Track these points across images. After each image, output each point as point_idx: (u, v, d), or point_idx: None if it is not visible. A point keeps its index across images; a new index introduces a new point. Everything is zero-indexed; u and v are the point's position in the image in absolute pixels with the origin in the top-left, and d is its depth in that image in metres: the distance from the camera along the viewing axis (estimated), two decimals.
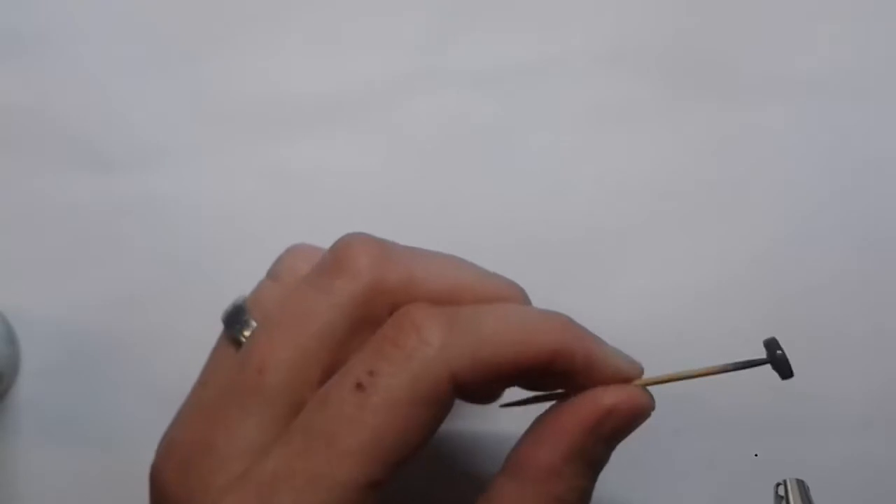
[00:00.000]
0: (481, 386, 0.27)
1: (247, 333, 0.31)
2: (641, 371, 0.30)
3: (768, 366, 0.30)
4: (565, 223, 0.46)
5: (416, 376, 0.26)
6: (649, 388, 0.29)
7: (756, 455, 0.42)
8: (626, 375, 0.28)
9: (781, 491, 0.25)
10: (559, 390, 0.30)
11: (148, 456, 0.30)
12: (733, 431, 0.43)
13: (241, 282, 0.45)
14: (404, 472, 0.27)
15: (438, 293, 0.29)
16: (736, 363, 0.27)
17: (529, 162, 0.46)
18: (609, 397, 0.27)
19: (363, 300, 0.29)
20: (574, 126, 0.47)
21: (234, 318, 0.32)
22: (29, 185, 0.47)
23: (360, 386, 0.25)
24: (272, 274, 0.34)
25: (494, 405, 0.35)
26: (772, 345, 0.26)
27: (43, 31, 0.49)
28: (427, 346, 0.26)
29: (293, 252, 0.35)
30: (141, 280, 0.46)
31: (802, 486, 0.24)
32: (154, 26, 0.49)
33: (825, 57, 0.47)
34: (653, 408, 0.29)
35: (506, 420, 0.33)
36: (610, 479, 0.32)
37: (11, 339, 0.44)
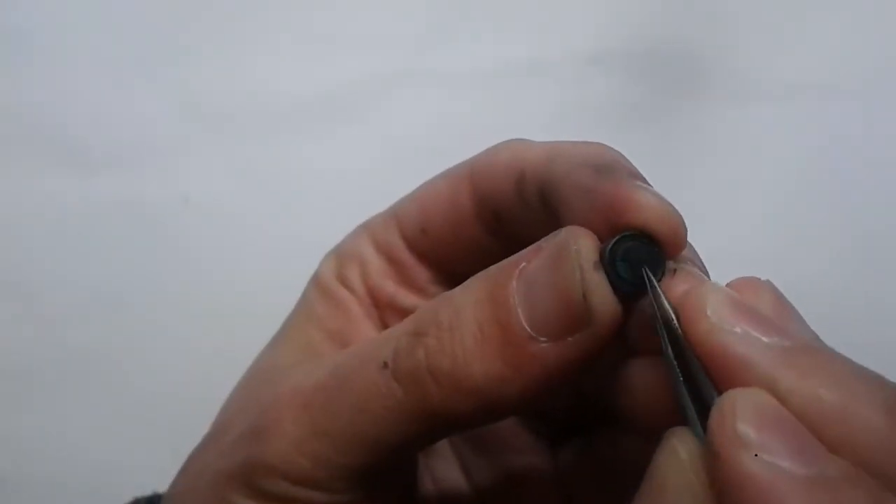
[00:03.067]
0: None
1: None
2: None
3: None
4: None
5: None
6: None
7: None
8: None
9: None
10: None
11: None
12: None
13: (227, 280, 0.45)
14: None
15: None
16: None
17: None
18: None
19: None
20: (561, 126, 0.47)
21: None
22: (12, 185, 0.47)
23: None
24: None
25: None
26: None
27: (27, 32, 0.49)
28: None
29: None
30: (124, 280, 0.46)
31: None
32: (140, 26, 0.49)
33: (811, 58, 0.47)
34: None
35: None
36: None
37: None
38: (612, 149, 0.27)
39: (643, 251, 0.23)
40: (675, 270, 0.23)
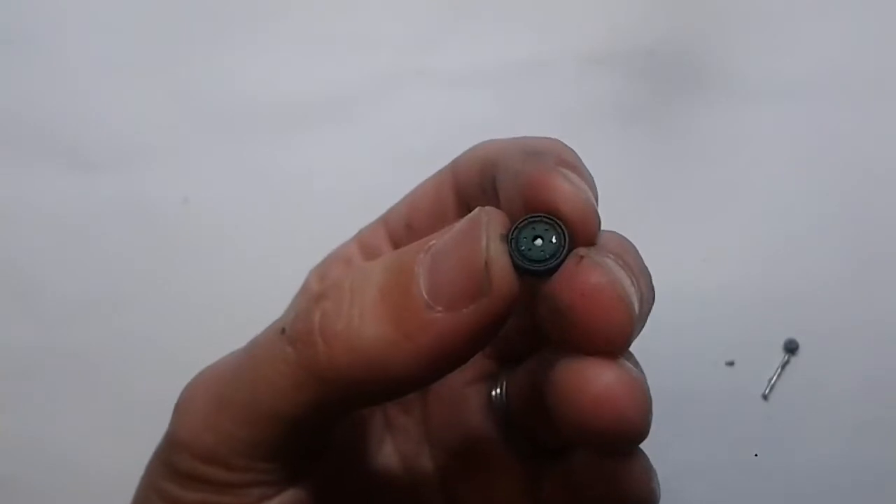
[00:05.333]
0: None
1: None
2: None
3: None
4: None
5: None
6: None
7: (756, 455, 0.42)
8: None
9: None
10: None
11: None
12: (733, 432, 0.43)
13: (225, 282, 0.45)
14: None
15: None
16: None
17: None
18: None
19: None
20: (564, 126, 0.47)
21: None
22: (12, 185, 0.47)
23: None
24: None
25: None
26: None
27: (26, 33, 0.49)
28: None
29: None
30: (124, 280, 0.46)
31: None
32: (138, 27, 0.49)
33: (814, 59, 0.47)
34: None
35: None
36: None
37: None
38: (560, 142, 0.26)
39: (551, 233, 0.23)
40: (582, 257, 0.23)
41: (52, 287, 0.46)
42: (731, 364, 0.43)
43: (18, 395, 0.45)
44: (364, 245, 0.32)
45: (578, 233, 0.24)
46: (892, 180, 0.45)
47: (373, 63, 0.48)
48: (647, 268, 0.26)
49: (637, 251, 0.25)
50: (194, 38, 0.49)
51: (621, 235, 0.25)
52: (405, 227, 0.31)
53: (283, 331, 0.24)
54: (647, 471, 0.25)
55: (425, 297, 0.22)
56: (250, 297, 0.44)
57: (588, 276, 0.22)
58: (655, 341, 0.43)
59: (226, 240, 0.46)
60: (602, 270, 0.22)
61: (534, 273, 0.23)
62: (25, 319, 0.46)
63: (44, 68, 0.48)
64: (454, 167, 0.30)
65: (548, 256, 0.23)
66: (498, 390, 0.30)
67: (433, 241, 0.23)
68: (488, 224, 0.23)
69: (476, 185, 0.28)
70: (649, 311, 0.26)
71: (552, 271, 0.23)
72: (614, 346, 0.22)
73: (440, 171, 0.31)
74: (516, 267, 0.23)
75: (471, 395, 0.31)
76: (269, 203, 0.47)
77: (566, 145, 0.26)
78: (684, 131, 0.46)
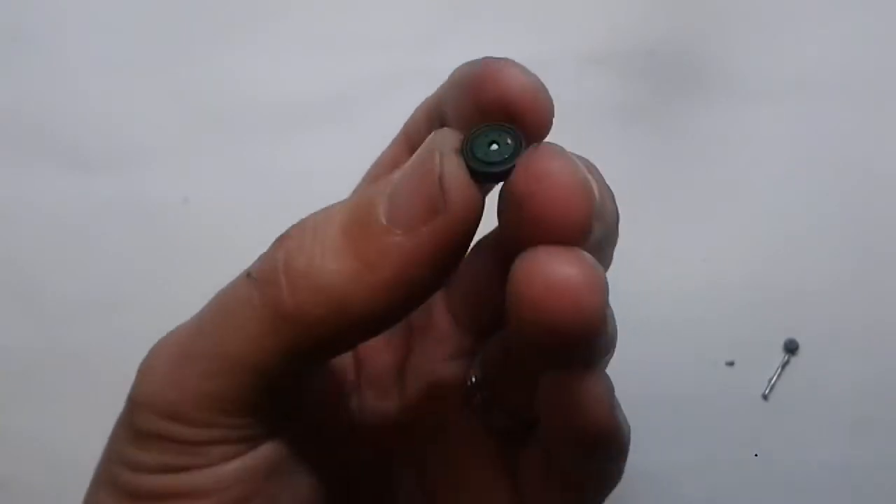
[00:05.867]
0: None
1: None
2: None
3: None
4: None
5: None
6: None
7: (756, 455, 0.42)
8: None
9: None
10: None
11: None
12: (733, 432, 0.43)
13: (225, 282, 0.45)
14: None
15: None
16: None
17: None
18: None
19: None
20: (561, 126, 0.47)
21: None
22: (11, 185, 0.47)
23: None
24: None
25: None
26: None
27: (26, 33, 0.49)
28: None
29: None
30: (124, 280, 0.46)
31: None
32: (138, 27, 0.49)
33: (814, 58, 0.47)
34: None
35: None
36: None
37: None
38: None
39: (505, 136, 0.23)
40: (538, 146, 0.22)
41: (52, 287, 0.46)
42: (731, 364, 0.43)
43: (18, 395, 0.45)
44: None
45: (531, 124, 0.23)
46: (893, 180, 0.45)
47: (373, 63, 0.48)
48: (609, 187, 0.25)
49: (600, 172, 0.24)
50: (194, 38, 0.49)
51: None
52: None
53: (249, 275, 0.24)
54: (608, 396, 0.23)
55: (384, 222, 0.22)
56: None
57: (544, 160, 0.21)
58: (655, 341, 0.43)
59: (226, 240, 0.46)
60: (559, 156, 0.21)
61: (491, 176, 0.22)
62: (25, 319, 0.46)
63: (44, 68, 0.48)
64: (405, 130, 0.30)
65: (504, 158, 0.22)
66: (475, 374, 0.29)
67: (396, 172, 0.23)
68: (441, 142, 0.22)
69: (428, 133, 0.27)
70: (615, 224, 0.25)
71: (510, 171, 0.22)
72: (572, 233, 0.21)
73: (394, 139, 0.31)
74: (474, 173, 0.22)
75: (447, 374, 0.30)
76: (270, 203, 0.47)
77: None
78: (684, 131, 0.46)
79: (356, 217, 0.22)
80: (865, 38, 0.47)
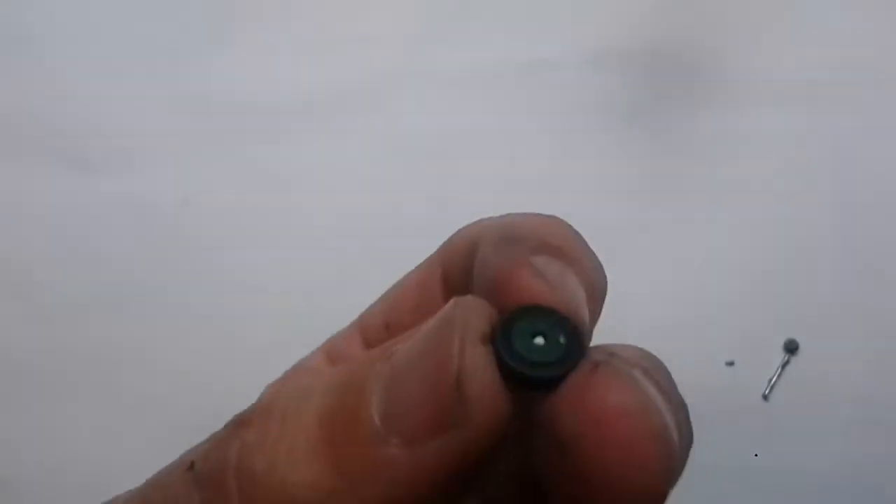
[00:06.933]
0: None
1: None
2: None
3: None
4: None
5: None
6: None
7: (756, 455, 0.42)
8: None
9: None
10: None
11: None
12: (733, 432, 0.43)
13: (225, 282, 0.45)
14: None
15: None
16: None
17: (516, 162, 0.46)
18: None
19: None
20: (561, 126, 0.47)
21: None
22: (12, 185, 0.47)
23: None
24: None
25: None
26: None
27: (26, 33, 0.49)
28: None
29: None
30: (124, 280, 0.46)
31: None
32: (138, 27, 0.49)
33: (814, 58, 0.47)
34: None
35: None
36: None
37: None
38: (555, 219, 0.20)
39: (557, 330, 0.17)
40: (598, 364, 0.16)
41: (52, 287, 0.46)
42: (731, 364, 0.43)
43: (18, 395, 0.45)
44: (333, 355, 0.25)
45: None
46: (892, 180, 0.45)
47: (373, 63, 0.48)
48: (683, 399, 0.18)
49: (668, 372, 0.18)
50: (194, 38, 0.49)
51: (645, 350, 0.18)
52: (384, 328, 0.24)
53: (192, 466, 0.18)
54: None
55: (377, 423, 0.16)
56: (250, 296, 0.44)
57: (607, 391, 0.15)
58: (655, 341, 0.43)
59: (226, 240, 0.46)
60: (627, 385, 0.15)
61: (537, 383, 0.16)
62: (25, 319, 0.46)
63: (44, 69, 0.48)
64: (443, 252, 0.23)
65: (553, 360, 0.16)
66: None
67: (397, 346, 0.17)
68: (464, 321, 0.16)
69: (467, 273, 0.21)
70: (685, 460, 0.18)
71: (560, 381, 0.16)
72: (636, 502, 0.15)
73: (427, 259, 0.24)
74: (510, 374, 0.16)
75: None
76: (269, 203, 0.47)
77: (562, 223, 0.20)
78: (684, 131, 0.46)
79: (340, 406, 0.16)
80: (865, 38, 0.47)
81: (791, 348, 0.43)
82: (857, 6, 0.47)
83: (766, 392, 0.43)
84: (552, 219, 0.20)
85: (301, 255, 0.43)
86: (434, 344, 0.16)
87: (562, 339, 0.16)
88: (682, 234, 0.45)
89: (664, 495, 0.16)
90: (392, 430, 0.16)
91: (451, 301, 0.17)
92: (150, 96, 0.48)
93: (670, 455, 0.15)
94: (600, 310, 0.19)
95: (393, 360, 0.17)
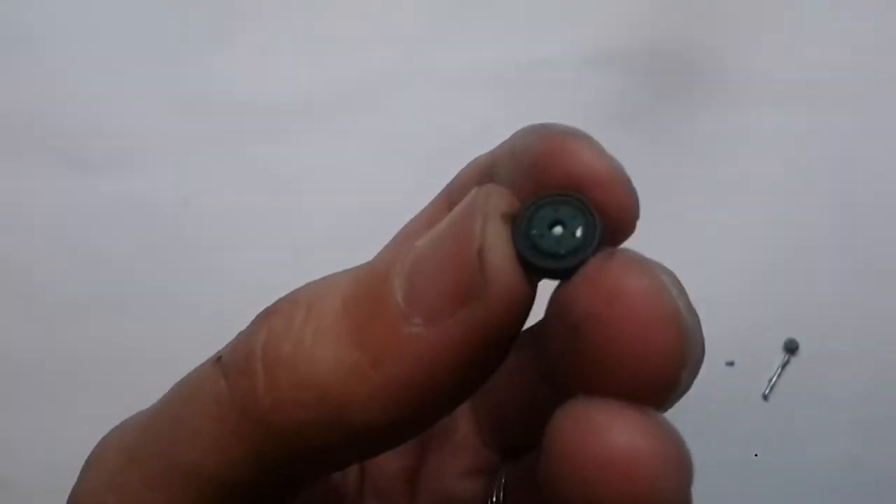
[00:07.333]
0: None
1: None
2: None
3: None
4: None
5: None
6: None
7: (756, 455, 0.42)
8: None
9: None
10: None
11: None
12: (733, 432, 0.43)
13: (225, 282, 0.45)
14: None
15: None
16: None
17: None
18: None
19: None
20: None
21: None
22: (12, 185, 0.47)
23: None
24: None
25: None
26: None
27: (26, 33, 0.49)
28: None
29: None
30: (124, 280, 0.46)
31: None
32: (138, 27, 0.49)
33: (814, 58, 0.47)
34: None
35: None
36: None
37: None
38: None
39: (578, 220, 0.17)
40: (613, 252, 0.16)
41: (52, 287, 0.46)
42: (731, 364, 0.43)
43: (18, 395, 0.45)
44: None
45: (613, 221, 0.17)
46: (893, 180, 0.45)
47: (372, 63, 0.48)
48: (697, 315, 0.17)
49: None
50: (194, 39, 0.49)
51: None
52: None
53: (219, 359, 0.18)
54: None
55: (401, 304, 0.16)
56: (250, 297, 0.44)
57: (622, 274, 0.15)
58: None
59: (226, 240, 0.46)
60: (643, 268, 0.15)
61: (549, 269, 0.16)
62: (25, 319, 0.46)
63: (44, 68, 0.48)
64: (450, 190, 0.24)
65: (568, 251, 0.16)
66: (496, 497, 0.23)
67: (419, 241, 0.17)
68: (486, 202, 0.16)
69: None
70: (700, 363, 0.18)
71: (577, 268, 0.16)
72: (649, 388, 0.15)
73: (433, 200, 0.24)
74: (526, 260, 0.16)
75: (464, 493, 0.23)
76: (270, 203, 0.47)
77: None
78: (684, 131, 0.46)
79: (365, 292, 0.17)
80: (865, 38, 0.47)
81: (791, 348, 0.43)
82: (858, 6, 0.47)
83: (766, 392, 0.43)
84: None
85: (301, 255, 0.43)
86: (457, 225, 0.16)
87: (579, 232, 0.17)
88: (681, 233, 0.45)
89: (677, 380, 0.16)
90: (415, 308, 0.16)
91: (473, 189, 0.17)
92: (150, 96, 0.48)
93: (684, 338, 0.15)
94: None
95: (416, 248, 0.17)
